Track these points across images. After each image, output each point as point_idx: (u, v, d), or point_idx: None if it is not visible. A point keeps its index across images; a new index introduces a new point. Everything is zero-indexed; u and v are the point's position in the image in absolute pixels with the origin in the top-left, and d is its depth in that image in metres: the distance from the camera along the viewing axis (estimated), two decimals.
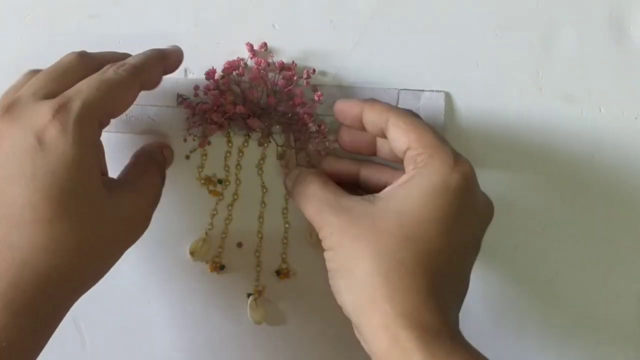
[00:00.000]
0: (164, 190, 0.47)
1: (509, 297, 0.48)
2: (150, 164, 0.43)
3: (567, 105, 0.48)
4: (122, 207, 0.38)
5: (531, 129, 0.48)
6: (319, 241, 0.47)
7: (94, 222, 0.36)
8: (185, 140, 0.46)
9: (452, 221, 0.37)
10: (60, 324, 0.46)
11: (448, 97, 0.47)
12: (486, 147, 0.48)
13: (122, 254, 0.39)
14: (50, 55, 0.46)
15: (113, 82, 0.37)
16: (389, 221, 0.36)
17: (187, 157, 0.47)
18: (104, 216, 0.36)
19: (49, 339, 0.37)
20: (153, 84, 0.41)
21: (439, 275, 0.36)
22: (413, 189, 0.37)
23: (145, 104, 0.46)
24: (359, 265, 0.36)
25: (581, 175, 0.48)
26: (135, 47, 0.46)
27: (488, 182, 0.48)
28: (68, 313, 0.46)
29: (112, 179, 0.40)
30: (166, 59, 0.41)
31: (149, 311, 0.47)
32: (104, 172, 0.39)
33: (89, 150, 0.35)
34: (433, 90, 0.47)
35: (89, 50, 0.46)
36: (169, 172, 0.47)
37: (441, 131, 0.47)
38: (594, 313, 0.48)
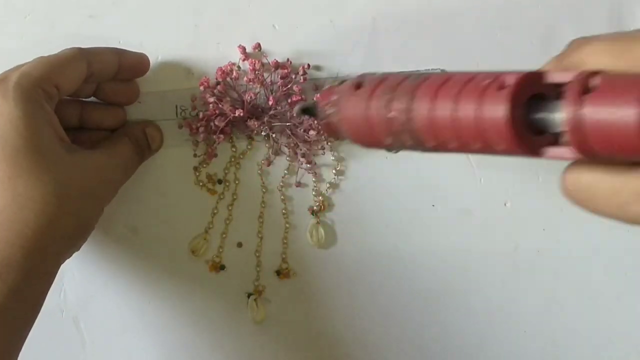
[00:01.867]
0: (164, 190, 0.47)
1: (509, 297, 0.48)
2: (123, 135, 0.44)
3: None
4: (85, 165, 0.40)
5: None
6: (319, 241, 0.47)
7: (52, 175, 0.38)
8: (195, 155, 0.46)
9: None
10: (60, 324, 0.47)
11: None
12: None
13: (94, 212, 0.41)
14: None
15: (53, 56, 0.41)
16: None
17: (195, 168, 0.47)
18: (64, 171, 0.38)
19: (43, 296, 0.39)
20: (105, 68, 0.42)
21: None
22: None
23: (146, 119, 0.46)
24: None
25: None
26: (136, 47, 0.46)
27: (489, 181, 0.48)
28: (68, 313, 0.47)
29: (77, 146, 0.42)
30: (123, 55, 0.44)
31: (149, 311, 0.47)
32: (63, 137, 0.40)
33: (33, 111, 0.38)
34: (429, 70, 0.47)
35: None
36: (169, 173, 0.47)
37: None
38: (594, 313, 0.48)
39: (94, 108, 0.45)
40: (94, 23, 0.47)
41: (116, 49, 0.44)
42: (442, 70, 0.47)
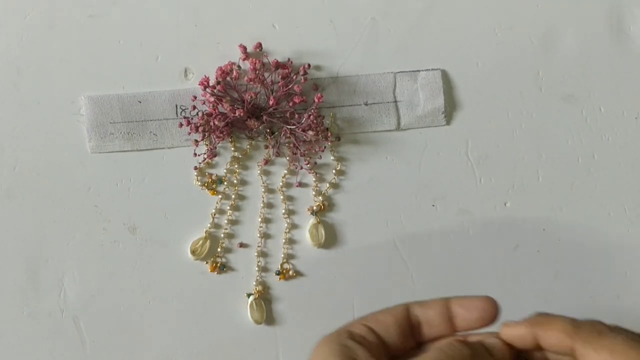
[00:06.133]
0: (164, 190, 0.47)
1: (510, 297, 0.48)
2: None
3: (567, 105, 0.48)
4: None
5: (531, 129, 0.48)
6: (319, 241, 0.47)
7: None
8: (195, 155, 0.46)
9: None
10: (60, 324, 0.46)
11: (446, 79, 0.48)
12: (486, 148, 0.48)
13: None
14: (50, 55, 0.46)
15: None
16: None
17: (196, 168, 0.47)
18: None
19: None
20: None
21: None
22: None
23: (146, 119, 0.46)
24: None
25: (581, 175, 0.48)
26: (135, 47, 0.46)
27: (489, 181, 0.48)
28: (68, 313, 0.46)
29: None
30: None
31: (149, 311, 0.47)
32: None
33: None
34: (429, 69, 0.47)
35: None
36: (169, 173, 0.47)
37: (441, 111, 0.47)
38: (594, 313, 0.48)
39: None
40: (94, 23, 0.47)
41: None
42: (443, 71, 0.47)
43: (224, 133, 0.46)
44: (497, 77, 0.48)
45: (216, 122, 0.45)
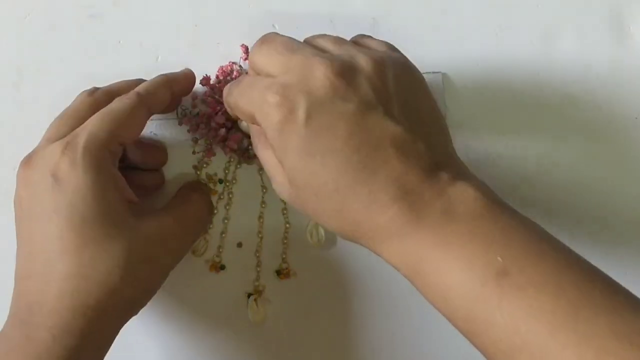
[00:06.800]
0: (164, 190, 0.47)
1: None
2: (192, 194, 0.44)
3: (568, 105, 0.48)
4: (151, 230, 0.39)
5: (532, 130, 0.48)
6: (319, 241, 0.47)
7: (119, 246, 0.37)
8: (194, 152, 0.46)
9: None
10: None
11: (447, 81, 0.48)
12: (486, 150, 0.48)
13: (159, 275, 0.41)
14: (50, 55, 0.47)
15: (117, 111, 0.39)
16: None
17: (195, 166, 0.47)
18: (130, 240, 0.37)
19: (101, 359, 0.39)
20: (161, 106, 0.42)
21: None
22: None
23: None
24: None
25: (582, 175, 0.48)
26: (135, 47, 0.46)
27: (488, 180, 0.48)
28: None
29: (144, 208, 0.41)
30: (174, 83, 0.42)
31: (149, 311, 0.47)
32: (130, 198, 0.40)
33: (101, 178, 0.37)
34: (430, 72, 0.47)
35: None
36: (169, 173, 0.47)
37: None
38: None
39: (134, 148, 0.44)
40: (94, 23, 0.47)
41: (167, 78, 0.42)
42: (443, 74, 0.47)
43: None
44: (497, 77, 0.48)
45: (217, 121, 0.45)
